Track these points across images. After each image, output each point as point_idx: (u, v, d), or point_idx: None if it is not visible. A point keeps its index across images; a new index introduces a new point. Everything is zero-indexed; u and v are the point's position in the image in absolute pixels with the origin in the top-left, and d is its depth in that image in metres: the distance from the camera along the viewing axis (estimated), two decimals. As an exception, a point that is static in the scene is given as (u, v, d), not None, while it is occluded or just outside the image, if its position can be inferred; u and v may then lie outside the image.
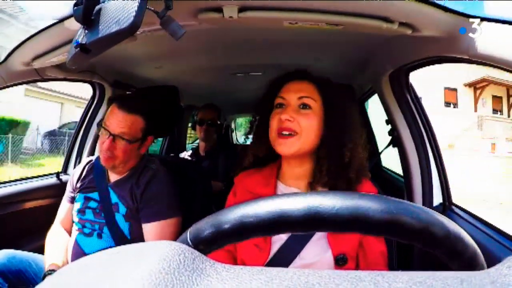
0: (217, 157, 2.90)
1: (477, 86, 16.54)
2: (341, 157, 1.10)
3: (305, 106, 1.13)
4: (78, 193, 1.65)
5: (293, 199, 0.45)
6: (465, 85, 16.45)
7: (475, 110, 16.54)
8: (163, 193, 1.57)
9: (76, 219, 1.61)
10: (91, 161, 1.75)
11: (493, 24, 1.01)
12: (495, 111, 16.95)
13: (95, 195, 1.62)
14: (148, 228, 1.54)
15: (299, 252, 1.09)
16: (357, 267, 1.12)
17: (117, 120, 1.51)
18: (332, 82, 1.22)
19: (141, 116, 1.57)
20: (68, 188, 1.73)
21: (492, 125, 15.91)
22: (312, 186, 1.14)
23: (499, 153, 14.91)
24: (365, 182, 1.18)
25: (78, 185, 1.68)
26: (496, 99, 16.98)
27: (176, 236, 1.55)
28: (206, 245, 0.46)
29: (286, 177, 1.20)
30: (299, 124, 1.10)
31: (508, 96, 17.01)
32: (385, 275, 0.34)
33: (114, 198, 1.59)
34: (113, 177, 1.64)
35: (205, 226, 0.46)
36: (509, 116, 16.99)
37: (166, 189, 1.59)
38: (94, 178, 1.66)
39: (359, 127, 1.16)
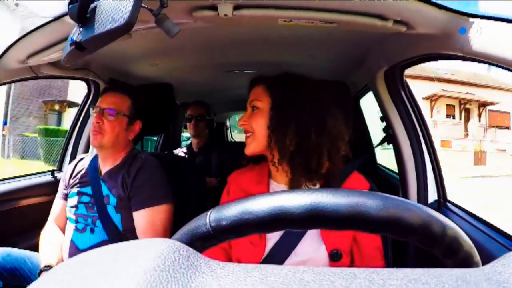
0: (210, 152, 2.89)
1: (432, 99, 21.16)
2: (283, 151, 1.13)
3: (253, 108, 1.21)
4: (71, 189, 1.67)
5: (292, 196, 0.45)
6: (423, 98, 20.61)
7: (431, 117, 21.05)
8: (153, 179, 1.59)
9: (69, 214, 1.62)
10: (83, 158, 1.79)
11: (487, 21, 1.01)
12: (448, 116, 21.85)
13: (88, 189, 1.63)
14: (139, 216, 1.54)
15: (293, 248, 1.10)
16: (352, 262, 1.13)
17: (106, 99, 1.64)
18: (288, 79, 1.22)
19: (127, 96, 1.68)
20: (61, 185, 1.75)
21: (442, 127, 20.84)
22: (290, 185, 1.15)
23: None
24: (355, 176, 1.21)
25: (71, 181, 1.69)
26: (450, 107, 21.92)
27: (167, 223, 1.56)
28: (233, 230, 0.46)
29: (276, 175, 1.22)
30: (251, 125, 1.18)
31: (460, 105, 21.97)
32: (380, 272, 0.34)
33: (105, 190, 1.60)
34: (105, 168, 1.66)
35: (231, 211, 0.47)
36: (460, 119, 21.99)
37: (156, 175, 1.61)
38: (87, 172, 1.67)
39: (317, 121, 1.13)
